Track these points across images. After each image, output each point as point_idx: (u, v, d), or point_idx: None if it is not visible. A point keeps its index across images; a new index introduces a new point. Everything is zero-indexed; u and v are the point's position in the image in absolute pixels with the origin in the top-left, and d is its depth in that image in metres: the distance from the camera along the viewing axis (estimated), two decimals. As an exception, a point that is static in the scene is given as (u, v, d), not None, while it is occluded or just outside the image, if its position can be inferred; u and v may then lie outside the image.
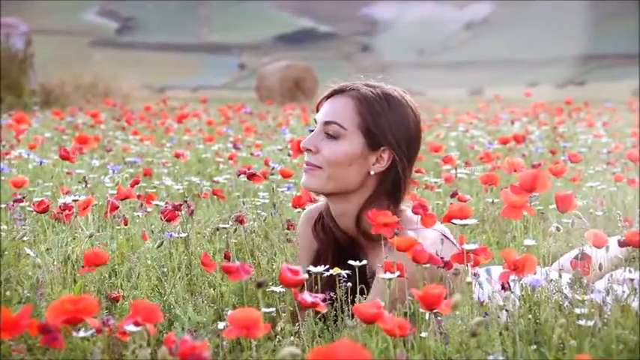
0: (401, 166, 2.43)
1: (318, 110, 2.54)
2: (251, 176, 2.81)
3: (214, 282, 2.66)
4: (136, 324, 1.57)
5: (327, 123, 2.48)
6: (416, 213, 2.17)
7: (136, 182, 3.40)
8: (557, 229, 2.66)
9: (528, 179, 2.21)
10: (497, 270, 2.26)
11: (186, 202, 2.68)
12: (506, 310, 2.01)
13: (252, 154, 5.31)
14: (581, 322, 2.05)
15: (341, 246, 2.51)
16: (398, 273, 2.02)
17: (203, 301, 2.42)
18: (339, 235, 2.52)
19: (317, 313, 2.12)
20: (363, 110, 2.47)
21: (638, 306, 2.26)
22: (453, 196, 3.36)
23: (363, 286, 2.16)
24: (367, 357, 1.25)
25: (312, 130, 2.53)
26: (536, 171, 2.23)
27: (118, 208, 2.86)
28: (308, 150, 2.48)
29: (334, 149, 2.45)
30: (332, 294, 2.18)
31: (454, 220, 2.13)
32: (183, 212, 2.80)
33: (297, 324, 2.12)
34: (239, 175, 3.01)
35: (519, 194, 2.21)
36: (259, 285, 1.57)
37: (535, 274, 2.15)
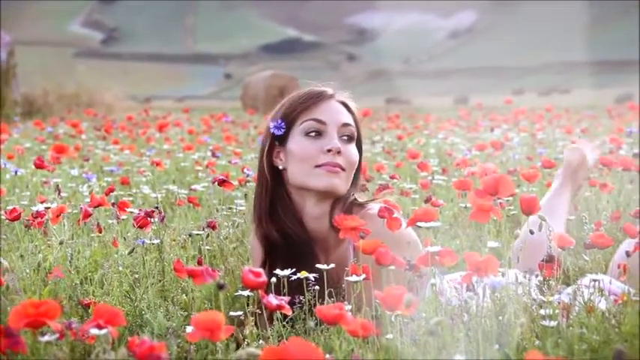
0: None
1: (300, 112, 2.54)
2: (222, 183, 2.82)
3: (187, 288, 2.68)
4: (99, 327, 1.59)
5: (345, 125, 2.53)
6: (381, 216, 2.20)
7: (111, 190, 3.41)
8: (531, 232, 2.69)
9: (491, 183, 2.24)
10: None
11: (157, 208, 2.70)
12: (467, 313, 2.03)
13: (230, 162, 5.33)
14: (545, 323, 2.08)
15: (291, 248, 2.50)
16: (364, 275, 2.05)
17: (174, 307, 2.44)
18: (298, 237, 2.51)
19: (285, 316, 2.14)
20: (354, 115, 2.59)
21: (605, 307, 2.30)
22: (427, 201, 3.39)
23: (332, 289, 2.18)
24: (319, 356, 1.27)
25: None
26: (500, 175, 2.26)
27: (91, 215, 2.87)
28: (335, 152, 2.50)
29: (353, 152, 2.55)
30: (301, 297, 2.20)
31: (419, 223, 2.15)
32: (155, 219, 2.82)
33: (263, 328, 2.14)
34: (214, 182, 3.03)
35: (483, 198, 2.23)
36: (220, 287, 1.59)
37: (504, 276, 2.18)
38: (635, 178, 4.68)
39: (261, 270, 1.73)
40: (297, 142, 2.51)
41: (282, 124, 2.52)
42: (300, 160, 2.50)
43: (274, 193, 2.55)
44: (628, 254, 2.34)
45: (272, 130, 2.52)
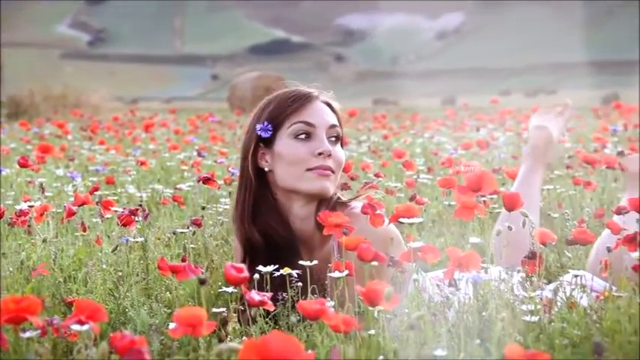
0: None
1: (283, 114, 2.54)
2: (206, 181, 2.83)
3: (171, 286, 2.68)
4: (80, 322, 1.59)
5: (332, 126, 2.53)
6: (364, 213, 2.21)
7: (95, 189, 3.41)
8: (510, 228, 2.71)
9: (474, 180, 2.25)
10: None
11: (141, 205, 2.70)
12: (449, 309, 2.04)
13: (215, 161, 5.33)
14: (526, 318, 2.09)
15: (274, 249, 2.50)
16: (347, 272, 2.06)
17: (158, 305, 2.44)
18: (282, 238, 2.52)
19: (268, 313, 2.15)
20: (338, 115, 2.59)
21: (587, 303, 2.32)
22: (411, 199, 3.39)
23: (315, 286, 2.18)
24: (300, 349, 1.28)
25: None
26: (483, 171, 2.27)
27: (74, 213, 2.87)
28: (326, 155, 2.50)
29: (341, 153, 2.55)
30: (284, 294, 2.20)
31: (401, 219, 2.16)
32: (139, 218, 2.82)
33: (247, 324, 2.14)
34: (199, 181, 3.03)
35: (466, 194, 2.25)
36: (201, 282, 1.60)
37: (486, 272, 2.19)
38: (620, 176, 4.71)
39: (243, 266, 1.74)
40: (286, 145, 2.50)
41: (269, 126, 2.51)
42: (291, 164, 2.49)
43: (258, 194, 2.55)
44: (609, 250, 2.35)
45: (259, 133, 2.51)
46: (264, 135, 2.51)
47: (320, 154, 2.48)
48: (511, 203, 2.26)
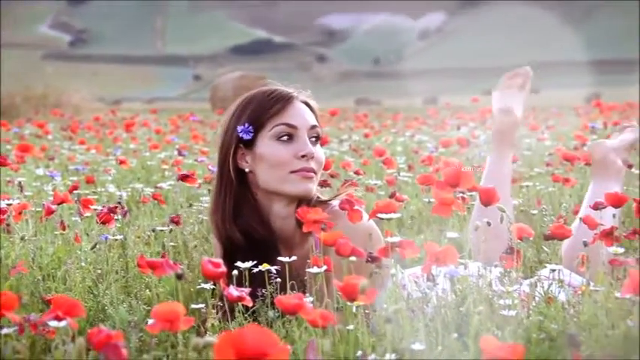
0: None
1: (266, 115, 2.54)
2: (184, 178, 2.83)
3: (150, 284, 2.67)
4: (57, 318, 1.59)
5: (313, 127, 2.54)
6: (342, 209, 2.22)
7: (75, 187, 3.40)
8: (488, 223, 2.72)
9: (452, 175, 2.26)
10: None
11: (120, 203, 2.70)
12: (427, 304, 2.05)
13: (196, 160, 5.33)
14: (504, 312, 2.11)
15: (255, 248, 2.50)
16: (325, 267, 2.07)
17: (137, 302, 2.44)
18: (263, 237, 2.52)
19: (247, 309, 2.15)
20: (316, 114, 2.60)
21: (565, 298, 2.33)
22: (391, 197, 3.41)
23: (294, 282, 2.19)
24: (275, 341, 1.28)
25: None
26: (460, 167, 2.28)
27: (53, 212, 2.86)
28: (310, 157, 2.51)
29: (321, 153, 2.55)
30: (263, 290, 2.21)
31: (379, 215, 2.17)
32: (119, 216, 2.82)
33: (225, 320, 2.14)
34: (179, 179, 3.03)
35: (444, 190, 2.26)
36: (178, 277, 1.60)
37: (465, 268, 2.20)
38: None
39: (220, 260, 1.74)
40: (268, 147, 2.50)
41: (250, 127, 2.52)
42: (274, 166, 2.49)
43: (239, 195, 2.54)
44: (585, 244, 2.36)
45: (240, 135, 2.51)
46: (246, 137, 2.51)
47: (303, 156, 2.49)
48: (487, 198, 2.27)
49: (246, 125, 2.51)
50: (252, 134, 2.50)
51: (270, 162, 2.49)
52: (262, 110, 2.52)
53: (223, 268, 1.73)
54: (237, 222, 2.52)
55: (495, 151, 3.48)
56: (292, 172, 2.49)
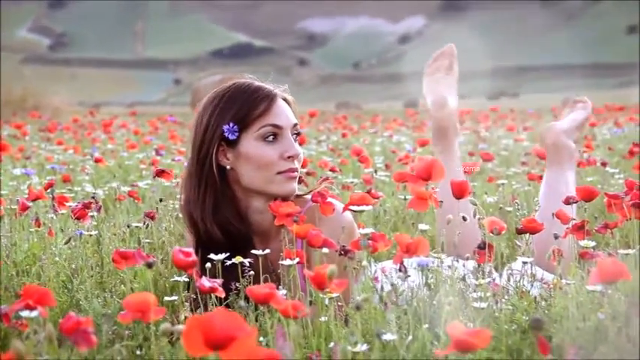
0: None
1: (253, 114, 2.55)
2: (160, 173, 2.84)
3: (125, 279, 2.68)
4: (28, 307, 1.59)
5: (295, 125, 2.56)
6: (314, 201, 2.23)
7: (50, 184, 3.40)
8: (464, 218, 2.74)
9: (424, 168, 2.28)
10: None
11: (94, 197, 2.70)
12: (398, 296, 2.07)
13: (173, 159, 5.32)
14: (476, 305, 2.13)
15: (232, 243, 2.51)
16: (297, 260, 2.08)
17: (112, 297, 2.44)
18: (239, 232, 2.53)
19: (221, 301, 2.16)
20: (294, 109, 2.62)
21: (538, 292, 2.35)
22: (367, 194, 3.42)
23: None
24: (242, 325, 1.30)
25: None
26: (432, 160, 2.30)
27: (28, 208, 2.86)
28: (295, 158, 2.53)
29: (301, 150, 2.57)
30: (237, 284, 2.22)
31: (351, 207, 2.19)
32: (94, 212, 2.83)
33: (199, 312, 2.15)
34: (154, 176, 3.04)
35: (416, 183, 2.28)
36: (148, 265, 1.61)
37: (442, 262, 2.22)
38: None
39: (191, 250, 1.75)
40: (255, 148, 2.51)
41: (236, 127, 2.52)
42: (262, 167, 2.51)
43: (219, 191, 2.55)
44: (556, 237, 2.39)
45: (226, 134, 2.51)
46: (232, 137, 2.51)
47: (289, 157, 2.51)
48: (460, 191, 2.29)
49: (232, 125, 2.51)
50: (237, 134, 2.51)
51: (257, 163, 2.50)
52: (247, 110, 2.53)
53: (194, 257, 1.74)
54: (216, 218, 2.53)
55: (439, 147, 3.43)
56: (279, 173, 2.51)
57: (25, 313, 1.64)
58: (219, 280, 1.91)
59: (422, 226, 2.20)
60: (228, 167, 2.54)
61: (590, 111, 3.53)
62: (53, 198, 3.00)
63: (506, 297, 2.31)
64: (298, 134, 2.59)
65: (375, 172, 4.66)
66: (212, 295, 1.97)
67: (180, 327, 1.51)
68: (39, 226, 3.03)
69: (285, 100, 2.61)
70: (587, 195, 2.58)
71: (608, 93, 41.69)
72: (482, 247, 2.43)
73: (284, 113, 2.55)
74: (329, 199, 2.26)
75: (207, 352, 1.27)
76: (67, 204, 3.14)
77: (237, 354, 1.27)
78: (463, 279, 2.30)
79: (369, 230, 2.06)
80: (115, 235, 3.11)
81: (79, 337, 1.40)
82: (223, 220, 2.52)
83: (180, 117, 14.05)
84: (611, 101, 14.31)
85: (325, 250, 2.05)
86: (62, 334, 1.56)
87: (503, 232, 2.42)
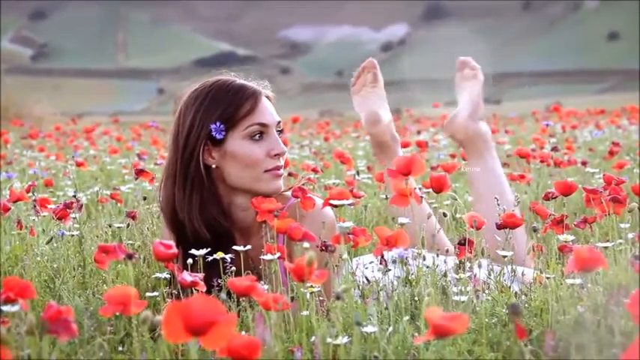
0: None
1: (240, 113, 2.56)
2: (139, 172, 2.84)
3: (107, 279, 2.68)
4: (8, 300, 1.60)
5: (279, 122, 2.59)
6: (295, 196, 2.25)
7: (32, 186, 3.39)
8: (444, 214, 2.75)
9: (404, 163, 2.29)
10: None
11: (75, 196, 2.70)
12: (380, 290, 2.08)
13: (156, 163, 5.33)
14: (456, 298, 2.15)
15: (215, 238, 2.52)
16: (278, 254, 2.09)
17: (94, 296, 2.45)
18: (223, 229, 2.54)
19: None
20: (274, 104, 2.65)
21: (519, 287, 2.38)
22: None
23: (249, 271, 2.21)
24: (222, 310, 1.30)
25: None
26: (412, 155, 2.32)
27: (9, 209, 2.86)
28: (281, 155, 2.55)
29: (286, 148, 2.60)
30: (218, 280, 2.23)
31: (331, 201, 2.20)
32: (76, 215, 2.83)
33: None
34: (135, 174, 3.04)
35: (396, 177, 2.29)
36: (129, 257, 1.62)
37: (424, 259, 2.24)
38: (555, 172, 4.81)
39: (171, 242, 1.76)
40: (242, 147, 2.52)
41: (222, 126, 2.53)
42: (249, 166, 2.52)
43: (205, 190, 2.56)
44: (535, 229, 2.41)
45: (213, 134, 2.52)
46: (219, 136, 2.52)
47: (276, 154, 2.53)
48: (439, 185, 2.31)
49: (218, 124, 2.52)
50: (224, 133, 2.52)
51: (244, 161, 2.52)
52: (234, 109, 2.54)
53: (174, 250, 1.75)
54: (203, 216, 2.54)
55: (383, 159, 3.39)
56: (266, 171, 2.53)
57: (6, 307, 1.64)
58: (201, 275, 1.91)
59: (402, 220, 2.22)
60: (213, 166, 2.55)
61: (481, 77, 3.44)
62: (35, 200, 3.00)
63: (487, 291, 2.33)
64: (281, 131, 2.61)
65: (357, 173, 4.67)
66: (194, 290, 1.98)
67: (160, 317, 1.52)
68: (21, 229, 3.03)
69: (266, 96, 2.63)
70: (565, 190, 2.60)
71: (590, 98, 41.87)
72: (462, 242, 2.45)
73: (268, 111, 2.58)
74: (309, 195, 2.27)
75: (187, 338, 1.28)
76: (49, 206, 3.13)
77: (217, 339, 1.28)
78: (445, 275, 2.32)
79: (349, 224, 2.07)
80: (97, 237, 3.12)
81: (59, 327, 1.40)
82: (210, 218, 2.53)
83: (163, 124, 14.03)
84: (593, 106, 14.37)
85: (306, 244, 2.06)
86: (43, 330, 1.56)
87: (482, 227, 2.45)
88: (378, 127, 3.31)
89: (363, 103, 3.39)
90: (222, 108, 2.54)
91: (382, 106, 3.36)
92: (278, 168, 2.54)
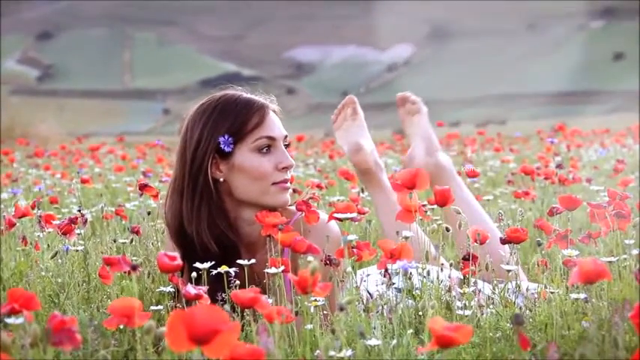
0: None
1: (247, 127, 2.57)
2: (143, 187, 2.86)
3: (112, 294, 2.68)
4: (13, 311, 1.60)
5: (285, 136, 2.62)
6: (299, 210, 2.25)
7: (37, 201, 3.40)
8: (447, 229, 2.75)
9: (409, 177, 2.30)
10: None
11: (79, 211, 2.71)
12: (384, 303, 2.08)
13: (161, 180, 5.33)
14: (460, 312, 2.15)
15: (222, 255, 2.52)
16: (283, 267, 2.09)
17: (98, 311, 2.45)
18: (230, 242, 2.55)
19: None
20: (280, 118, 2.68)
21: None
22: (352, 210, 3.43)
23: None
24: (225, 319, 1.31)
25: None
26: (417, 169, 2.32)
27: (14, 225, 2.87)
28: (289, 168, 2.57)
29: (293, 161, 2.64)
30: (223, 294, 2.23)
31: (336, 215, 2.21)
32: (81, 230, 2.84)
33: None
34: (139, 189, 3.05)
35: (400, 191, 2.30)
36: (133, 268, 1.62)
37: (429, 274, 2.24)
38: (559, 190, 4.80)
39: (176, 254, 1.77)
40: (250, 160, 2.55)
41: (231, 139, 2.54)
42: (257, 179, 2.54)
43: (213, 204, 2.57)
44: (539, 244, 2.41)
45: (222, 147, 2.54)
46: (227, 149, 2.53)
47: (284, 167, 2.54)
48: (443, 199, 2.31)
49: (227, 137, 2.53)
50: (232, 147, 2.54)
51: (253, 175, 2.53)
52: (242, 122, 2.56)
53: (179, 262, 1.75)
54: (212, 231, 2.54)
55: (369, 187, 3.40)
56: (274, 184, 2.55)
57: (10, 320, 1.64)
58: (205, 287, 1.92)
59: (406, 233, 2.22)
60: (221, 180, 2.56)
61: (424, 109, 3.46)
62: (40, 216, 3.01)
63: (491, 306, 2.33)
64: (288, 145, 2.63)
65: (362, 190, 4.67)
66: (197, 303, 1.98)
67: (164, 329, 1.52)
68: (26, 245, 3.03)
69: (273, 110, 2.65)
70: (570, 204, 2.60)
71: (595, 119, 41.85)
72: (466, 257, 2.45)
73: (276, 125, 2.60)
74: (313, 208, 2.28)
75: (190, 346, 1.28)
76: (54, 222, 3.13)
77: (220, 348, 1.28)
78: (449, 290, 2.32)
79: (353, 237, 2.08)
80: (102, 252, 3.12)
81: (63, 337, 1.41)
82: (218, 232, 2.54)
83: (169, 144, 14.06)
84: (598, 127, 14.37)
85: (310, 257, 2.06)
86: (47, 341, 1.56)
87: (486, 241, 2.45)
88: (361, 155, 3.31)
89: (344, 136, 3.39)
90: (231, 121, 2.56)
91: (363, 135, 3.37)
92: (286, 181, 2.56)
